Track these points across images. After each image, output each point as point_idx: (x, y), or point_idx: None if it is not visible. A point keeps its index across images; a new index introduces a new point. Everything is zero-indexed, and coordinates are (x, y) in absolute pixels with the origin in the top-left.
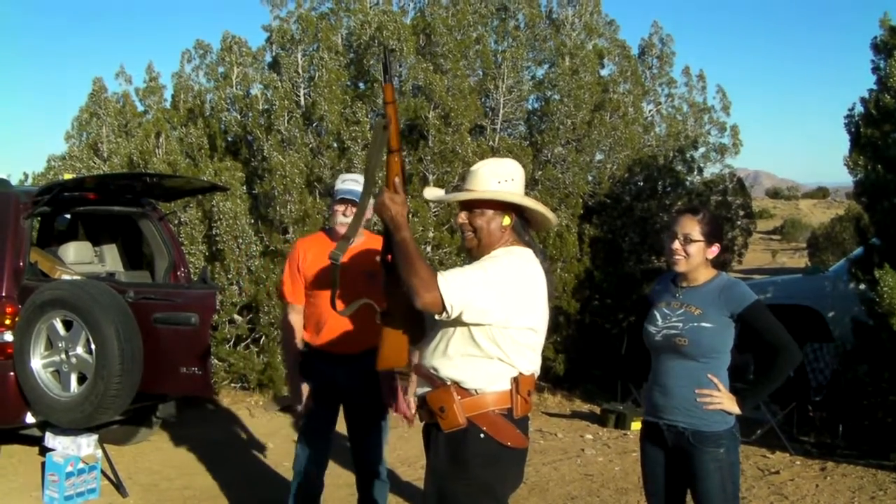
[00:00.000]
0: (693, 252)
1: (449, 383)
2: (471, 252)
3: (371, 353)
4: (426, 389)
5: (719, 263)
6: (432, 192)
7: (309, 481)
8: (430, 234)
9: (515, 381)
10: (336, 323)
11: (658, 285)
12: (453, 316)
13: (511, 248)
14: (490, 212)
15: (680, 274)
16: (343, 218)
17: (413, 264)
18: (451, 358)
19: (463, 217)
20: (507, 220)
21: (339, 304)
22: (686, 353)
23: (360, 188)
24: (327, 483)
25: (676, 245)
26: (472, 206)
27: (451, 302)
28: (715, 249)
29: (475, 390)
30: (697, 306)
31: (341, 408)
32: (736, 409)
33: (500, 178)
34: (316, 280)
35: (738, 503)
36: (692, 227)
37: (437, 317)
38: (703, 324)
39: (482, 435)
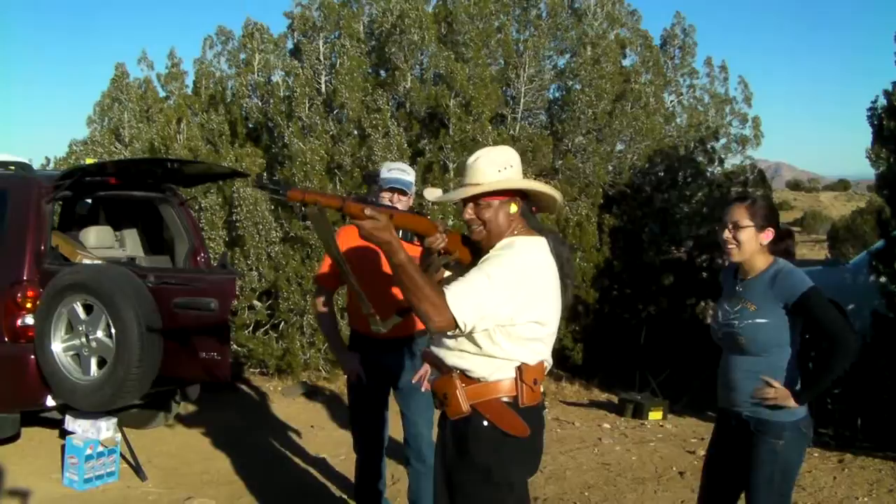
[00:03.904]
0: (744, 239)
1: (454, 372)
2: (480, 244)
3: (418, 335)
4: (436, 375)
5: (782, 251)
6: (432, 193)
7: (371, 465)
8: (450, 222)
9: (520, 370)
10: (383, 308)
11: (724, 276)
12: (467, 332)
13: (513, 239)
14: (496, 202)
15: (739, 264)
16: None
17: (419, 288)
18: (455, 349)
19: (470, 212)
20: (514, 208)
21: (379, 317)
22: (746, 350)
23: (406, 177)
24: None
25: (727, 235)
26: (477, 199)
27: (464, 321)
28: (769, 234)
29: (480, 378)
30: (753, 301)
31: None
32: (792, 404)
33: (499, 166)
34: (357, 268)
35: (785, 501)
36: (740, 213)
37: (449, 334)
38: (759, 319)
39: (485, 423)
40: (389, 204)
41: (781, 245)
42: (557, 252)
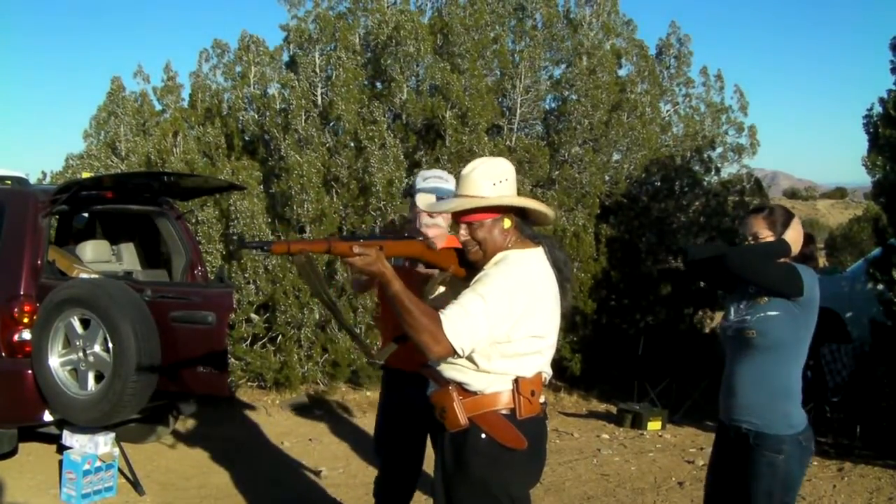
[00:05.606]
0: None
1: (451, 384)
2: (477, 263)
3: None
4: (434, 388)
5: (804, 257)
6: (424, 200)
7: None
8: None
9: (516, 382)
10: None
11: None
12: (465, 356)
13: (507, 253)
14: (489, 220)
15: None
16: (429, 219)
17: (415, 319)
18: (451, 362)
19: (464, 233)
20: (507, 223)
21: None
22: (755, 346)
23: (445, 185)
24: (353, 483)
25: None
26: (469, 216)
27: (461, 346)
28: None
29: (477, 391)
30: (765, 295)
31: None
32: None
33: (494, 179)
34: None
35: None
36: (759, 225)
37: (450, 359)
38: (770, 312)
39: (483, 435)
40: (387, 236)
41: (805, 250)
42: (554, 257)
